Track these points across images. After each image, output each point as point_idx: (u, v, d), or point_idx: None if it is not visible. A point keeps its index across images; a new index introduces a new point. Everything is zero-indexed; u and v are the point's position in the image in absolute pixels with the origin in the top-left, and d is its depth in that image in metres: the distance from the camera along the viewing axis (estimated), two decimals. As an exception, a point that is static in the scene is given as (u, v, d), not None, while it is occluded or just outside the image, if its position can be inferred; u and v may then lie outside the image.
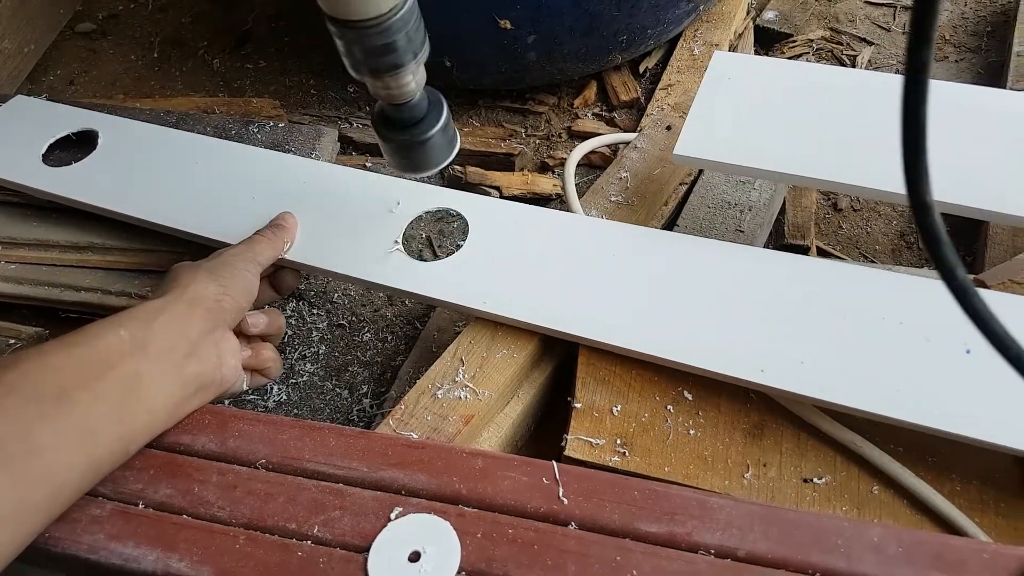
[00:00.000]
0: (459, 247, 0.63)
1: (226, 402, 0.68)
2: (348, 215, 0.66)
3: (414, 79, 0.52)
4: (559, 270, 0.61)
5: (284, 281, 0.65)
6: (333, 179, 0.70)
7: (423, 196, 0.67)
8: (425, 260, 0.63)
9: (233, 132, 0.81)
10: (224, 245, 0.63)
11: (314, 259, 0.64)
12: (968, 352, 0.52)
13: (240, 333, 0.59)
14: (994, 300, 0.54)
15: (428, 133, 0.55)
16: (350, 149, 0.97)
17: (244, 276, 0.58)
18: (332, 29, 0.49)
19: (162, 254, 0.70)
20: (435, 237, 0.76)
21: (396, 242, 0.63)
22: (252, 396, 0.68)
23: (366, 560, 0.44)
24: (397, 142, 0.55)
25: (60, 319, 0.70)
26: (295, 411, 0.68)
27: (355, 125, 0.99)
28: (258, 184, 0.70)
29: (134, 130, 0.77)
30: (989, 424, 0.49)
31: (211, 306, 0.54)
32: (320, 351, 0.72)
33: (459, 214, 0.65)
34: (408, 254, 0.63)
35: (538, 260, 0.61)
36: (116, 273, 0.70)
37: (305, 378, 0.70)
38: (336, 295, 0.77)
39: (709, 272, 0.59)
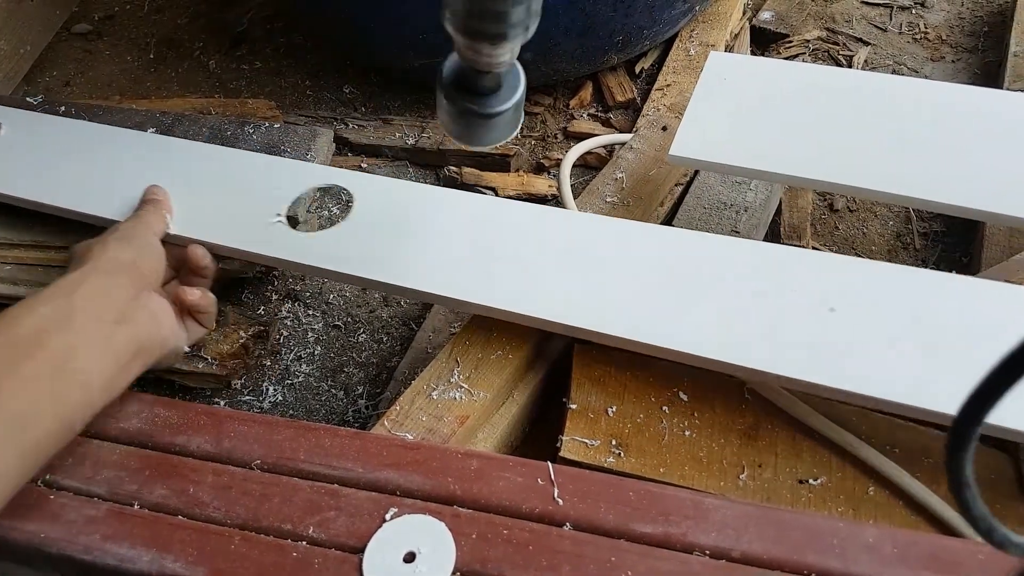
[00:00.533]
0: (340, 221, 0.64)
1: (221, 402, 0.68)
2: (233, 192, 0.68)
3: (511, 53, 0.48)
4: (442, 243, 0.62)
5: (192, 259, 0.63)
6: (217, 160, 0.72)
7: (310, 173, 0.69)
8: (306, 231, 0.65)
9: (229, 133, 0.81)
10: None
11: (197, 232, 0.64)
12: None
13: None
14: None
15: (498, 107, 0.50)
16: (346, 150, 0.97)
17: (151, 241, 0.58)
18: None
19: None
20: (317, 211, 0.75)
21: (279, 215, 0.65)
22: (248, 397, 0.68)
23: (361, 561, 0.44)
24: (462, 108, 0.51)
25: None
26: (291, 412, 0.68)
27: (350, 126, 0.99)
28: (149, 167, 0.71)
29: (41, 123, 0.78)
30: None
31: (130, 271, 0.54)
32: (316, 352, 0.72)
33: (345, 190, 0.67)
34: (291, 226, 0.65)
35: (421, 233, 0.63)
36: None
37: (301, 379, 0.70)
38: (332, 296, 0.77)
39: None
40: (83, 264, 0.53)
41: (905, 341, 0.52)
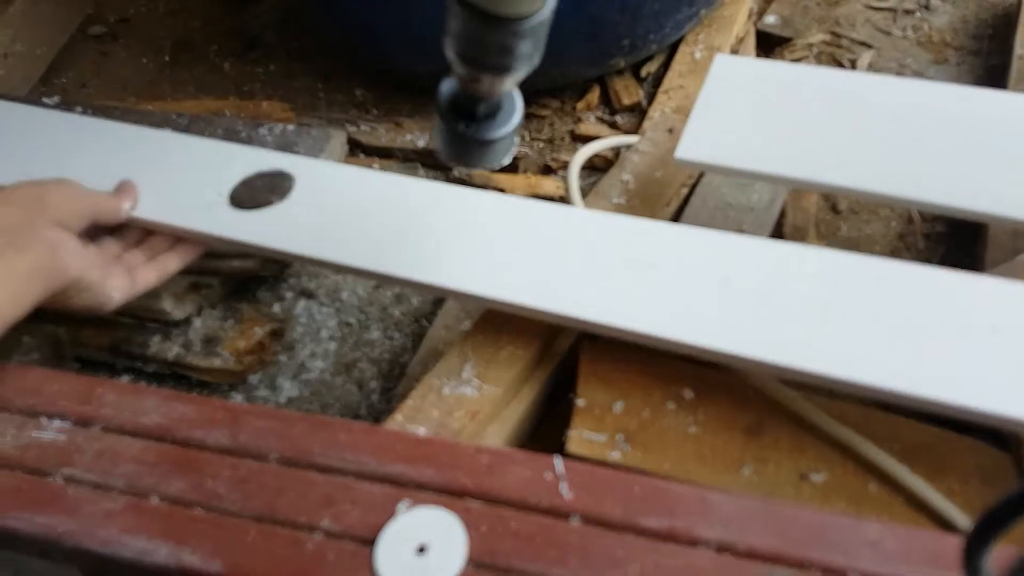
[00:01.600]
0: (279, 202, 0.67)
1: (238, 397, 0.69)
2: (175, 175, 0.70)
3: (513, 83, 0.47)
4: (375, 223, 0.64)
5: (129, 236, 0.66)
6: (161, 144, 0.74)
7: (255, 157, 0.71)
8: (246, 210, 0.66)
9: (243, 134, 0.82)
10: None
11: (139, 211, 0.66)
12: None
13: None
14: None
15: (495, 134, 0.50)
16: (358, 152, 0.98)
17: (67, 183, 0.59)
18: (455, 10, 0.42)
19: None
20: (261, 192, 0.75)
21: (220, 194, 0.67)
22: (264, 392, 0.70)
23: (374, 552, 0.45)
24: (458, 132, 0.50)
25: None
26: (306, 406, 0.69)
27: (362, 128, 1.00)
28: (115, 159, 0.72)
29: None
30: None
31: (28, 200, 0.55)
32: (330, 348, 0.73)
33: (287, 173, 0.69)
34: (232, 206, 0.67)
35: (359, 215, 0.65)
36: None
37: (315, 374, 0.71)
38: (345, 294, 0.78)
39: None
40: None
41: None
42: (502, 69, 0.44)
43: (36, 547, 0.48)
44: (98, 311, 0.59)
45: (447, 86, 0.50)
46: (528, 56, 0.44)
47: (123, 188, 0.66)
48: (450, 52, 0.45)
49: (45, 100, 0.88)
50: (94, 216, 0.61)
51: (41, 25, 1.15)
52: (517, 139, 0.54)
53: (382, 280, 0.69)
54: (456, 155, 0.53)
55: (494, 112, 0.50)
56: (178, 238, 0.66)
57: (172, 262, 0.64)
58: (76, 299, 0.56)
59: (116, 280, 0.59)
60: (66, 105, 0.86)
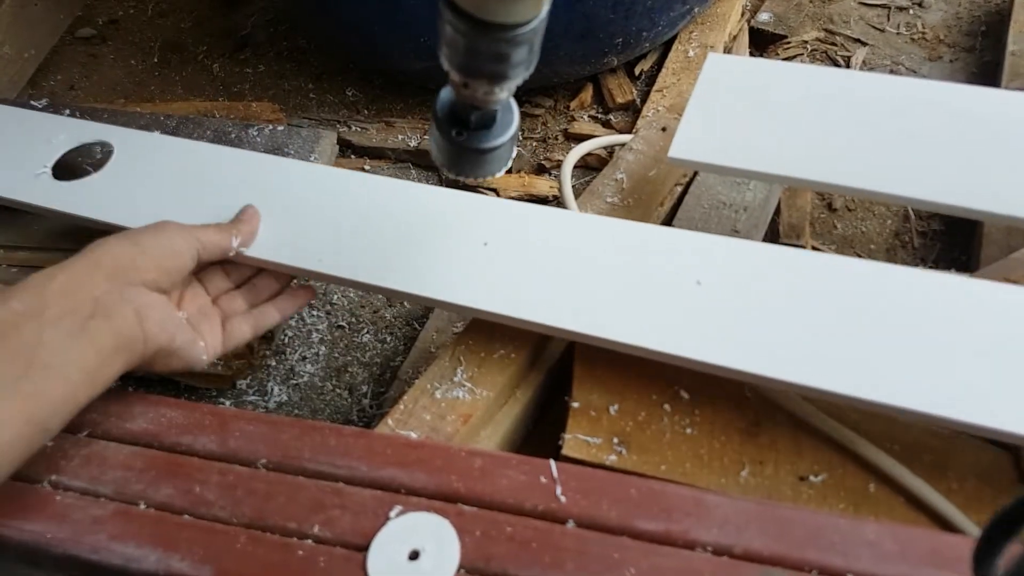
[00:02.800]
0: (96, 171, 0.70)
1: (227, 402, 0.68)
2: (5, 148, 0.73)
3: (508, 92, 0.47)
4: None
5: (239, 272, 0.62)
6: None
7: (79, 129, 0.74)
8: (68, 180, 0.70)
9: (232, 135, 0.81)
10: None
11: None
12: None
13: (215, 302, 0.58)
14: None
15: (492, 143, 0.50)
16: (349, 152, 0.98)
17: (171, 239, 0.55)
18: (447, 17, 0.42)
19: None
20: (83, 162, 0.75)
21: (45, 167, 0.70)
22: (253, 397, 0.69)
23: (366, 558, 0.44)
24: (455, 141, 0.50)
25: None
26: (296, 411, 0.68)
27: (353, 128, 1.00)
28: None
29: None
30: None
31: (120, 264, 0.51)
32: (320, 352, 0.73)
33: (109, 143, 0.72)
34: (55, 178, 0.70)
35: (176, 183, 0.68)
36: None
37: (305, 379, 0.70)
38: (336, 296, 0.77)
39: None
40: (80, 253, 0.51)
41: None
42: (497, 77, 0.44)
43: (25, 554, 0.48)
44: (185, 373, 0.55)
45: (445, 94, 0.50)
46: (524, 63, 0.44)
47: (238, 218, 0.61)
48: (445, 60, 0.45)
49: (33, 103, 0.87)
50: (198, 259, 0.57)
51: (30, 27, 1.14)
52: (515, 149, 0.53)
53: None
54: (451, 163, 0.52)
55: (490, 121, 0.50)
56: (284, 278, 0.62)
57: (271, 316, 0.60)
58: (160, 364, 0.52)
59: (206, 339, 0.56)
60: (54, 107, 0.86)
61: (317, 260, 0.61)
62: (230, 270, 0.61)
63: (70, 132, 0.75)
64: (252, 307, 0.61)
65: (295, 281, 0.64)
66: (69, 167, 0.72)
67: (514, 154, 0.53)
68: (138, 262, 0.52)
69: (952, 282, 0.55)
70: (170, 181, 0.68)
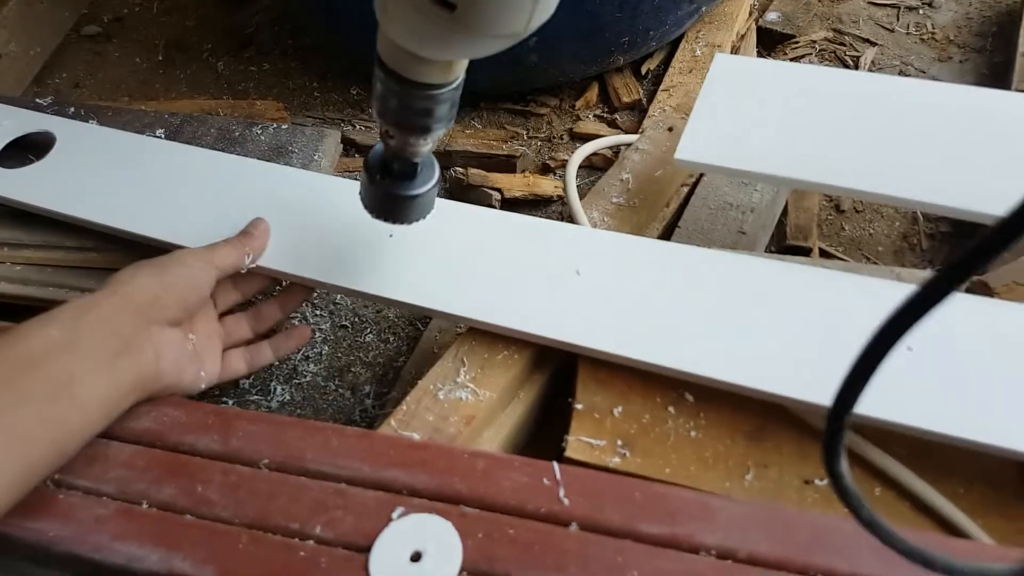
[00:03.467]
0: (37, 160, 0.73)
1: (230, 402, 0.68)
2: None
3: (432, 144, 0.54)
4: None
5: (249, 285, 0.64)
6: None
7: (24, 119, 0.78)
8: (10, 168, 0.73)
9: (236, 134, 0.81)
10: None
11: None
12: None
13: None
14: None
15: (417, 190, 0.56)
16: (352, 151, 0.98)
17: (192, 274, 0.57)
18: (380, 76, 0.49)
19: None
20: (23, 152, 0.77)
21: None
22: (255, 396, 0.69)
23: (368, 560, 0.44)
24: (384, 189, 0.56)
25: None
26: (298, 411, 0.68)
27: (358, 127, 1.00)
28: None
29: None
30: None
31: (147, 301, 0.53)
32: (323, 352, 0.72)
33: (50, 132, 0.76)
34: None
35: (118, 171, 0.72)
36: (120, 274, 0.70)
37: (308, 378, 0.70)
38: (339, 296, 0.77)
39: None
40: (109, 285, 0.53)
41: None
42: (424, 130, 0.50)
43: (28, 553, 0.47)
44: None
45: (375, 150, 0.56)
46: (446, 118, 0.50)
47: (249, 232, 0.63)
48: (379, 117, 0.51)
49: (38, 100, 0.87)
50: (218, 278, 0.59)
51: (36, 25, 1.14)
52: (435, 199, 0.59)
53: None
54: (382, 210, 0.57)
55: (416, 172, 0.56)
56: (288, 305, 0.65)
57: (266, 355, 0.63)
58: (160, 394, 0.55)
59: (206, 368, 0.58)
60: (59, 106, 0.86)
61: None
62: (238, 281, 0.63)
63: (16, 121, 0.78)
64: (255, 333, 0.64)
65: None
66: (12, 155, 0.75)
67: (435, 204, 0.59)
68: (162, 300, 0.54)
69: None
70: (108, 171, 0.72)
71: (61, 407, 0.46)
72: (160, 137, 0.81)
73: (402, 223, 0.58)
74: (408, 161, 0.54)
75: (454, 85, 0.49)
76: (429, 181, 0.57)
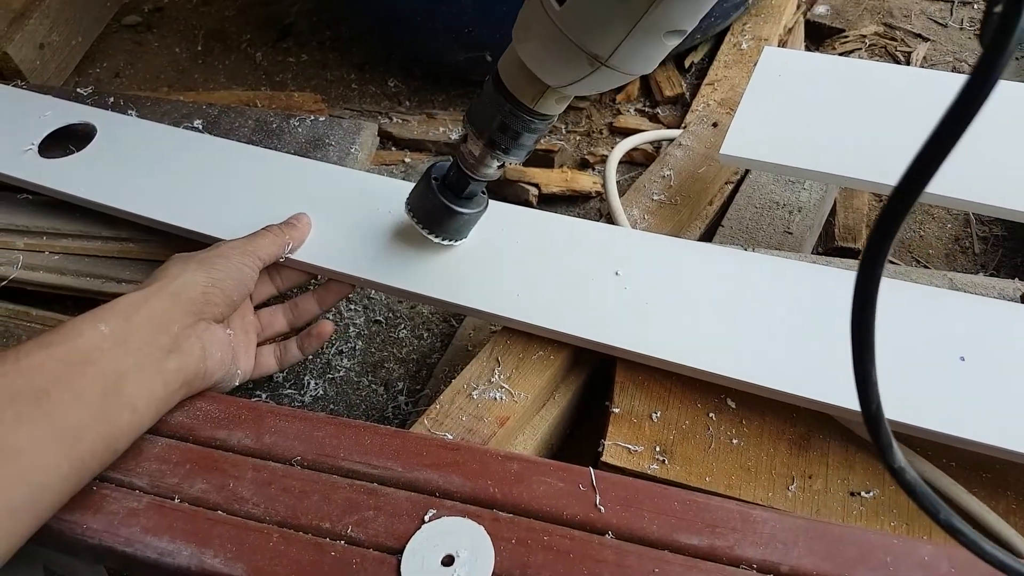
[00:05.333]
0: (79, 150, 0.75)
1: (263, 395, 0.68)
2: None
3: (502, 172, 0.58)
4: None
5: (284, 279, 0.65)
6: None
7: (65, 109, 0.79)
8: (51, 158, 0.74)
9: (274, 126, 0.81)
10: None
11: None
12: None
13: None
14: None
15: (465, 209, 0.59)
16: (389, 144, 0.97)
17: (238, 269, 0.57)
18: (492, 90, 0.52)
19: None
20: (65, 143, 0.78)
21: (32, 143, 0.75)
22: (289, 390, 0.68)
23: (399, 562, 0.43)
24: (436, 197, 0.58)
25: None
26: (331, 406, 0.67)
27: (394, 120, 0.99)
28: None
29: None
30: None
31: (195, 298, 0.53)
32: (357, 347, 0.72)
33: (91, 124, 0.77)
34: (40, 155, 0.75)
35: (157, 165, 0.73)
36: (157, 264, 0.70)
37: (342, 373, 0.70)
38: (373, 291, 0.76)
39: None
40: (156, 282, 0.53)
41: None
42: (510, 151, 0.54)
43: (61, 544, 0.48)
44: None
45: (440, 164, 0.60)
46: (526, 148, 0.55)
47: (290, 223, 0.63)
48: (471, 130, 0.55)
49: (79, 90, 0.88)
50: (260, 268, 0.59)
51: (77, 15, 1.15)
52: (472, 229, 0.62)
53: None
54: (431, 220, 0.60)
55: (475, 194, 0.59)
56: (325, 301, 0.65)
57: (295, 354, 0.63)
58: (198, 390, 0.55)
59: (241, 365, 0.58)
60: (99, 96, 0.86)
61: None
62: (273, 274, 0.64)
63: (57, 111, 0.79)
64: (291, 327, 0.64)
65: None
66: (54, 145, 0.77)
67: (470, 233, 0.62)
68: (210, 297, 0.54)
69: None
70: (146, 163, 0.73)
71: (111, 404, 0.46)
72: (198, 128, 0.81)
73: (436, 235, 0.60)
74: (470, 179, 0.57)
75: (553, 120, 0.53)
76: (477, 207, 0.59)
